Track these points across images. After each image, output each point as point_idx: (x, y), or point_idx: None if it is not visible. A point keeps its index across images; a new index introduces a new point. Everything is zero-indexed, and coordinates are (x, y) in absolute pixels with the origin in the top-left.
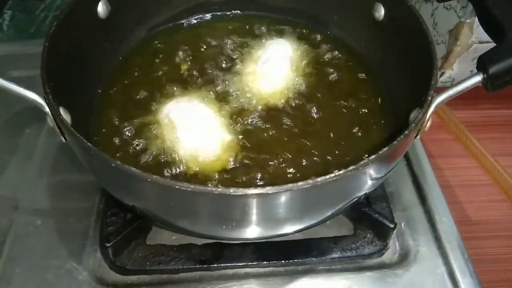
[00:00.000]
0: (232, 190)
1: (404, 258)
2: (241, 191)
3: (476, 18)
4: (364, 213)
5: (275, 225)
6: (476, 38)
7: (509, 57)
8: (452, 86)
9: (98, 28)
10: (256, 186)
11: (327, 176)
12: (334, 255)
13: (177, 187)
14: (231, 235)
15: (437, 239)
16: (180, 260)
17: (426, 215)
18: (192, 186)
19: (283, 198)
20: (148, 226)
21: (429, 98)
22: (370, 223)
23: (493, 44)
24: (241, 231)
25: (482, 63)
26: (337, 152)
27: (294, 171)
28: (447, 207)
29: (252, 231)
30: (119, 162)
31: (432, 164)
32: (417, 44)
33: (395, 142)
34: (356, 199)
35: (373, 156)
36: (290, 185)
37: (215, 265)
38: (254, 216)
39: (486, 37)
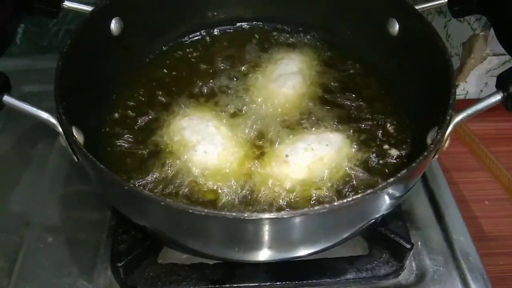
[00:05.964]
0: (246, 215)
1: (421, 279)
2: (255, 215)
3: (490, 31)
4: (379, 233)
5: (289, 248)
6: (491, 51)
7: None
8: (471, 105)
9: (111, 46)
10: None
11: (345, 200)
12: (349, 276)
13: (190, 211)
14: (243, 258)
15: (455, 259)
16: (192, 280)
17: (443, 233)
18: (206, 210)
19: (298, 223)
20: (160, 245)
21: (448, 118)
22: (386, 243)
23: (507, 57)
24: (254, 254)
25: (502, 82)
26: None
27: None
28: (465, 225)
29: (265, 254)
30: (131, 184)
31: (446, 178)
32: (433, 61)
33: (414, 164)
34: (373, 220)
35: (391, 179)
36: (306, 209)
37: (227, 285)
38: (268, 240)
39: (500, 49)
